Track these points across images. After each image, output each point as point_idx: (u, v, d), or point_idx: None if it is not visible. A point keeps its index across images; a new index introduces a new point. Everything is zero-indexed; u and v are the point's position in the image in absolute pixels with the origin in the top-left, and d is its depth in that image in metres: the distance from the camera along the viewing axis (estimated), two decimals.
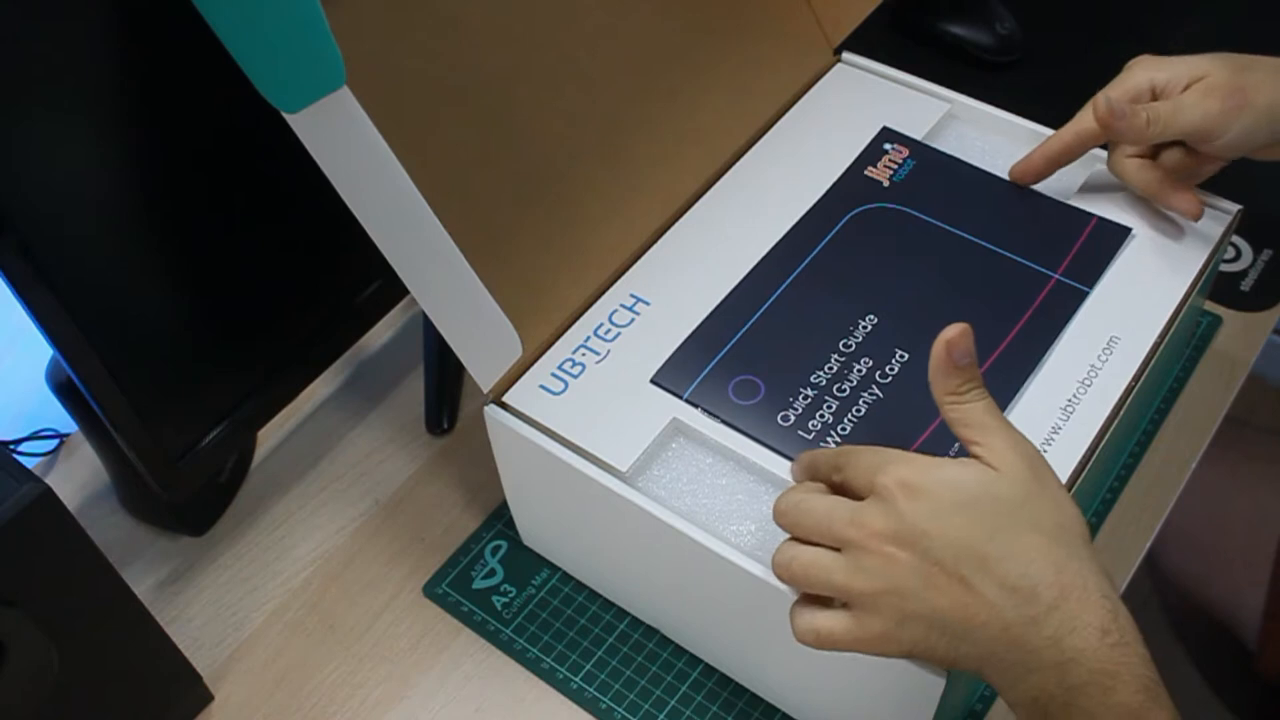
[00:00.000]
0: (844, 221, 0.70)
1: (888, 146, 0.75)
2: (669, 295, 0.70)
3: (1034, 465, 0.50)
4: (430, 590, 0.75)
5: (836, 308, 0.67)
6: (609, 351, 0.68)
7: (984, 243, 0.70)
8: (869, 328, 0.65)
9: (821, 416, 0.61)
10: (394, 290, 0.77)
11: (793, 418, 0.61)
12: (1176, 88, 0.67)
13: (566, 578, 0.74)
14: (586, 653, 0.71)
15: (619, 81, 0.72)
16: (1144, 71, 0.68)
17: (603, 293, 0.71)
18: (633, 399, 0.66)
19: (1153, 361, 0.66)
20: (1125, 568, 0.73)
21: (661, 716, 0.68)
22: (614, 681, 0.70)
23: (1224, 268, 0.88)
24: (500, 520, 0.77)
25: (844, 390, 0.62)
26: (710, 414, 0.62)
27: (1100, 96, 0.68)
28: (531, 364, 0.68)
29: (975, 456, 0.51)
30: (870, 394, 0.63)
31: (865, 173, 0.74)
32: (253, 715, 0.71)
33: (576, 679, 0.70)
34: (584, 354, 0.68)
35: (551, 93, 0.68)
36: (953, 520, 0.48)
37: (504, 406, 0.66)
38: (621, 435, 0.64)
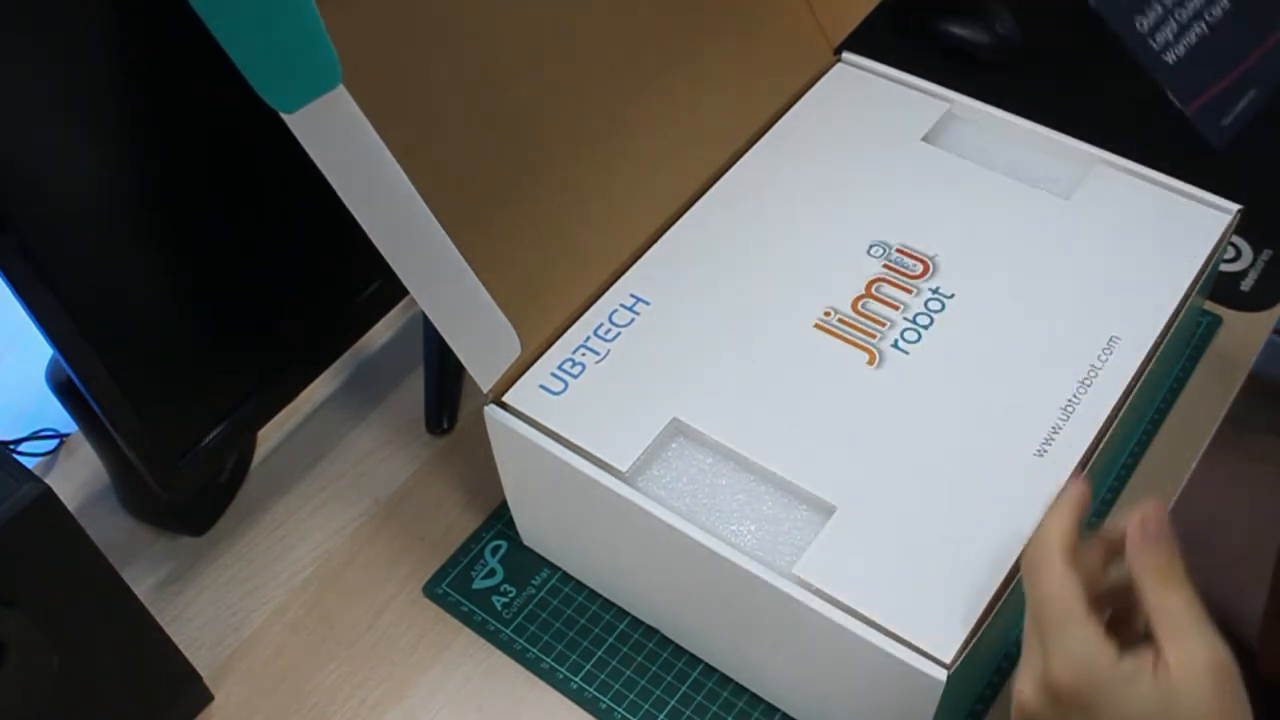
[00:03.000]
0: None
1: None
2: (669, 295, 0.70)
3: (1219, 684, 0.46)
4: (430, 590, 0.75)
5: None
6: (609, 351, 0.68)
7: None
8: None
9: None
10: (394, 290, 0.77)
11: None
12: None
13: (566, 578, 0.74)
14: (586, 653, 0.71)
15: (618, 81, 0.72)
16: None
17: (603, 293, 0.71)
18: (633, 399, 0.66)
19: (1153, 361, 0.66)
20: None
21: (661, 716, 0.68)
22: (614, 681, 0.70)
23: (1224, 268, 0.88)
24: (500, 520, 0.77)
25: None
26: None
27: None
28: (531, 364, 0.67)
29: (1159, 656, 0.47)
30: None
31: None
32: (253, 715, 0.71)
33: (576, 679, 0.70)
34: (584, 354, 0.68)
35: (551, 92, 0.68)
36: None
37: (504, 406, 0.66)
38: (621, 435, 0.64)
